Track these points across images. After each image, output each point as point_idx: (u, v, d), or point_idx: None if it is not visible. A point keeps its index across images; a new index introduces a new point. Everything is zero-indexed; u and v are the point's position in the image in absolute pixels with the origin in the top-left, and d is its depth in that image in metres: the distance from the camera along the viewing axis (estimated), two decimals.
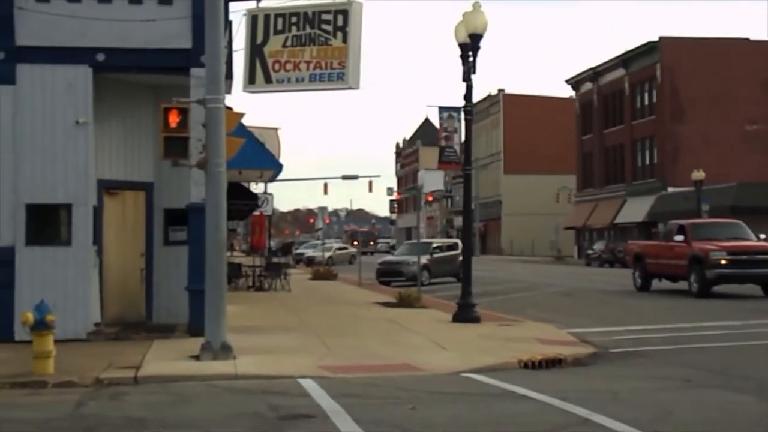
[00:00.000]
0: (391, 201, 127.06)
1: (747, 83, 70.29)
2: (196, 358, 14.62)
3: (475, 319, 20.81)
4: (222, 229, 15.15)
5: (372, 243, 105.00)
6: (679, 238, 31.41)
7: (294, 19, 17.77)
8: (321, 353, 15.51)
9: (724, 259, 29.51)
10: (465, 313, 20.94)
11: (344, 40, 17.50)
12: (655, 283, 33.57)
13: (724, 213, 50.21)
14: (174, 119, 15.12)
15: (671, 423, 10.01)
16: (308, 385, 12.51)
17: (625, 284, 35.57)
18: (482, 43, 21.18)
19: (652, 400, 11.26)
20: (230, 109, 21.14)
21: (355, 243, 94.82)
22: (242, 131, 19.09)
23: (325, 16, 17.62)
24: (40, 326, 13.43)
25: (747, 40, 73.47)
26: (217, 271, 15.01)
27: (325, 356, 15.19)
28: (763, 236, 31.93)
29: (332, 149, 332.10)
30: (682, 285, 31.37)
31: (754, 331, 19.37)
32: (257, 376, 13.26)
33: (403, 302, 25.68)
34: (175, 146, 15.22)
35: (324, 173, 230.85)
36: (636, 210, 73.12)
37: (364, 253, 78.56)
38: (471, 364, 14.43)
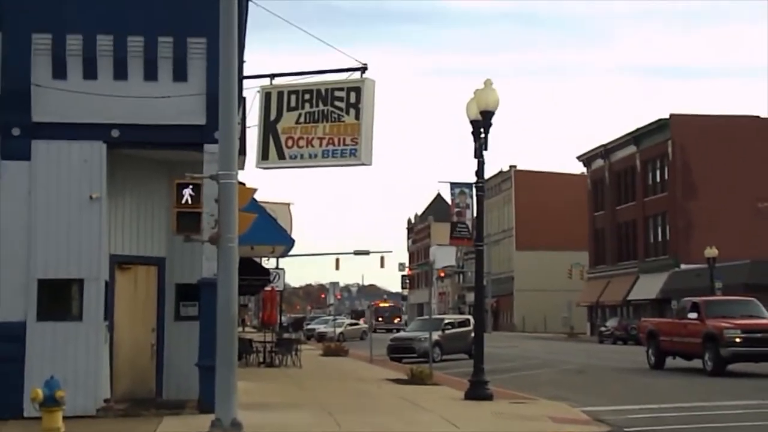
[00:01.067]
0: (403, 276, 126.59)
1: (758, 160, 70.44)
2: None
3: (488, 397, 20.61)
4: (233, 305, 15.06)
5: (398, 319, 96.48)
6: (693, 315, 31.20)
7: (307, 96, 17.94)
8: (332, 431, 15.34)
9: (739, 337, 29.28)
10: (477, 391, 20.74)
11: (357, 117, 17.65)
12: (669, 361, 33.26)
13: (738, 290, 49.96)
14: (187, 195, 15.14)
15: None
16: None
17: (639, 362, 35.24)
18: (494, 120, 21.34)
19: None
20: (243, 184, 21.28)
21: (380, 319, 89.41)
22: (254, 207, 19.13)
23: (338, 93, 17.79)
24: (50, 402, 13.29)
25: (758, 117, 73.82)
26: (228, 346, 14.88)
27: None
28: None
29: (344, 225, 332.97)
30: (697, 363, 31.06)
31: None
32: None
33: (415, 379, 25.47)
34: (187, 221, 15.20)
35: (336, 249, 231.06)
36: (649, 287, 72.83)
37: (389, 330, 77.22)
38: None
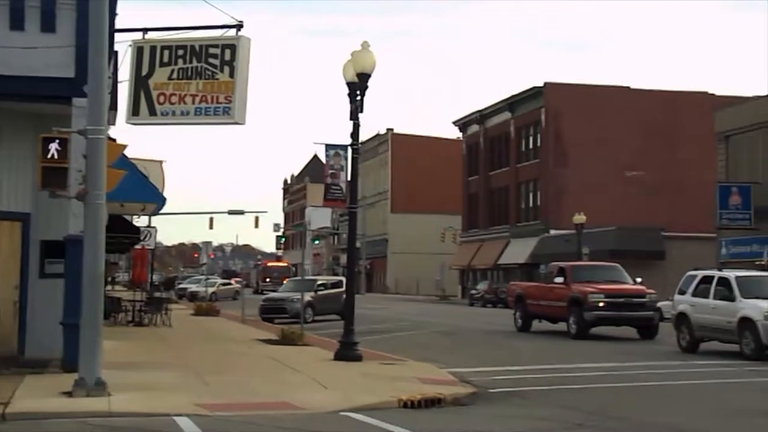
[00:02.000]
0: (278, 237, 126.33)
1: (628, 130, 72.34)
2: (69, 394, 14.18)
3: (357, 358, 20.74)
4: (100, 263, 14.81)
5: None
6: (559, 279, 31.98)
7: (181, 52, 17.62)
8: (199, 391, 15.23)
9: (602, 302, 30.16)
10: (347, 352, 20.85)
11: (231, 75, 17.43)
12: (536, 324, 34.07)
13: (604, 256, 51.34)
14: (53, 149, 14.76)
15: None
16: (184, 423, 12.25)
17: (507, 324, 36.01)
18: (371, 82, 21.33)
19: None
20: (113, 140, 20.81)
21: (268, 280, 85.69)
22: (125, 163, 18.74)
23: (212, 50, 17.52)
24: None
25: (628, 88, 75.68)
26: (93, 305, 14.63)
27: (204, 394, 14.91)
28: (639, 280, 32.75)
29: (219, 184, 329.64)
30: (562, 326, 31.90)
31: (630, 373, 19.78)
32: (132, 414, 12.93)
33: (286, 340, 25.46)
34: (53, 176, 14.86)
35: (210, 208, 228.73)
36: (519, 251, 74.32)
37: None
38: (350, 403, 14.34)
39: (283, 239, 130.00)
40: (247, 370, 18.89)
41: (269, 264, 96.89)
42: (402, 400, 14.70)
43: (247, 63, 17.61)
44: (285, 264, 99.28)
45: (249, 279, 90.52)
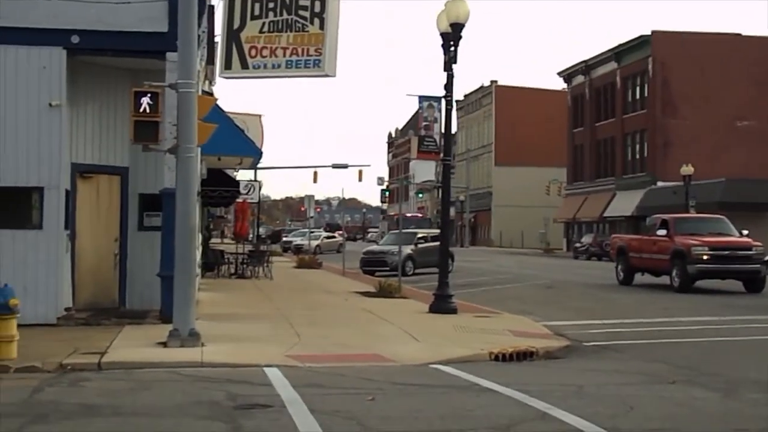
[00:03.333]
0: (382, 191, 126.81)
1: (738, 79, 70.28)
2: (164, 345, 14.48)
3: (452, 311, 20.71)
4: (192, 215, 14.99)
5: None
6: (662, 232, 31.34)
7: (271, 5, 17.65)
8: (291, 342, 15.38)
9: (706, 255, 29.47)
10: (441, 304, 20.83)
11: (321, 27, 17.41)
12: (638, 278, 33.51)
13: (712, 208, 50.21)
14: (145, 103, 14.94)
15: (631, 418, 9.89)
16: (273, 374, 12.37)
17: (609, 278, 35.51)
18: (466, 33, 21.05)
19: (615, 395, 11.15)
20: (210, 94, 21.05)
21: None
22: (219, 117, 18.91)
23: (302, 2, 17.52)
24: (4, 310, 13.27)
25: (739, 35, 73.43)
26: (186, 257, 14.85)
27: (295, 345, 15.06)
28: (745, 232, 31.84)
29: (323, 139, 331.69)
30: (664, 280, 31.31)
31: (730, 327, 19.32)
32: (222, 365, 13.12)
33: (383, 292, 25.57)
34: (145, 130, 15.06)
35: (315, 162, 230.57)
36: (625, 204, 73.11)
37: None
38: (441, 356, 14.31)
39: (387, 193, 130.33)
40: (341, 322, 19.02)
41: (408, 215, 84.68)
42: (493, 353, 14.61)
43: (337, 15, 17.54)
44: (422, 215, 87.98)
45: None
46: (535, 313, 21.52)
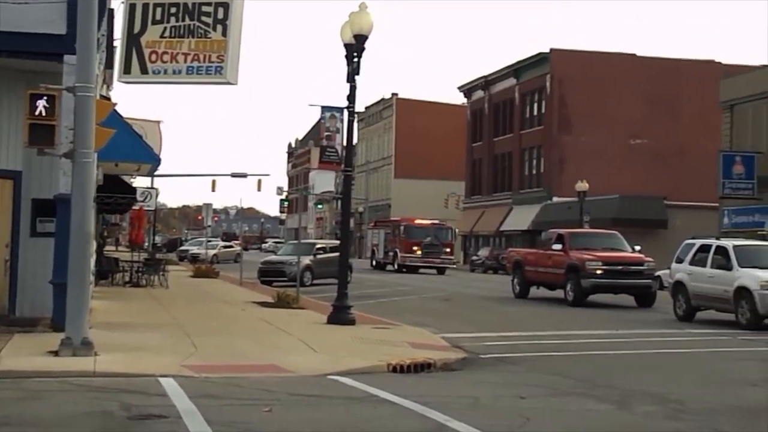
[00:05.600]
0: (282, 200, 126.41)
1: (632, 98, 71.94)
2: (55, 353, 14.11)
3: (350, 322, 20.66)
4: (88, 222, 14.67)
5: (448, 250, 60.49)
6: (558, 246, 31.85)
7: (173, 10, 17.41)
8: (187, 352, 15.14)
9: (600, 269, 30.05)
10: (340, 315, 20.78)
11: (224, 34, 17.23)
12: (534, 291, 33.98)
13: (606, 224, 51.18)
14: (41, 106, 14.58)
15: (527, 430, 9.99)
16: (168, 384, 12.16)
17: (506, 291, 35.93)
18: (369, 45, 21.10)
19: (511, 407, 11.25)
20: (107, 99, 20.63)
21: (415, 250, 57.83)
22: (117, 122, 18.57)
23: (205, 8, 17.32)
24: None
25: (634, 55, 75.16)
26: (80, 264, 14.51)
27: (191, 355, 14.84)
28: (638, 248, 32.60)
29: (222, 147, 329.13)
30: (559, 293, 31.81)
31: (623, 341, 19.70)
32: (116, 374, 12.84)
33: (281, 302, 25.42)
34: (40, 134, 14.68)
35: (214, 171, 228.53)
36: (521, 218, 74.14)
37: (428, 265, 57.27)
38: (339, 367, 14.26)
39: (286, 203, 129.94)
40: (238, 332, 18.81)
41: (417, 222, 61.59)
42: (391, 365, 14.61)
43: (240, 22, 17.40)
44: (439, 223, 63.48)
45: (376, 246, 62.45)
46: (433, 325, 21.62)
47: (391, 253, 60.27)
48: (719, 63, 73.33)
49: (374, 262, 63.42)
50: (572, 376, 14.26)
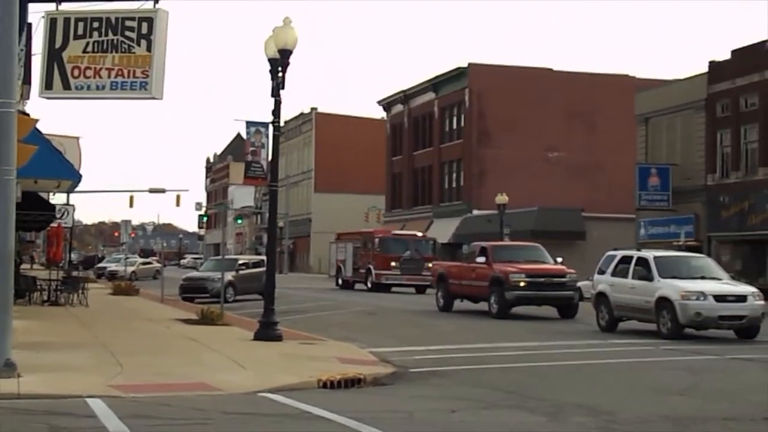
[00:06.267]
0: (200, 216, 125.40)
1: (550, 111, 72.95)
2: None
3: (277, 338, 20.53)
4: (9, 241, 14.32)
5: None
6: (481, 259, 32.08)
7: (96, 24, 17.13)
8: (113, 372, 14.88)
9: (523, 281, 30.32)
10: (267, 332, 20.63)
11: (148, 49, 17.00)
12: (457, 304, 34.15)
13: (525, 236, 51.76)
14: None
15: None
16: (96, 405, 11.92)
17: (429, 304, 36.05)
18: (293, 60, 21.03)
19: (445, 421, 11.28)
20: (27, 114, 20.24)
21: (393, 265, 51.17)
22: (37, 138, 18.17)
23: (128, 23, 17.07)
24: None
25: (551, 70, 76.26)
26: (2, 284, 14.16)
27: (117, 375, 14.58)
28: (560, 260, 33.00)
29: (140, 162, 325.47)
30: (483, 306, 32.01)
31: (549, 352, 19.89)
32: (42, 396, 12.55)
33: (205, 319, 25.14)
34: None
35: (131, 186, 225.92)
36: (442, 231, 74.49)
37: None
38: (269, 384, 14.14)
39: (205, 218, 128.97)
40: (164, 350, 18.57)
41: (394, 234, 57.40)
42: (321, 381, 14.54)
43: (165, 36, 17.20)
44: (409, 234, 57.76)
45: (342, 263, 57.66)
46: (360, 340, 21.59)
47: (362, 270, 53.79)
48: (633, 77, 74.77)
49: (340, 281, 57.53)
50: (502, 388, 14.34)
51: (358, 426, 10.70)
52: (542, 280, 30.71)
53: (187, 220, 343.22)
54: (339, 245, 59.62)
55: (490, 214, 62.64)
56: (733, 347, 21.63)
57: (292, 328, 23.77)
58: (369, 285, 52.39)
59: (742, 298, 23.59)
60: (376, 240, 53.62)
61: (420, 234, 58.27)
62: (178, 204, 75.61)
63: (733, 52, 50.09)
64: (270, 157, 22.16)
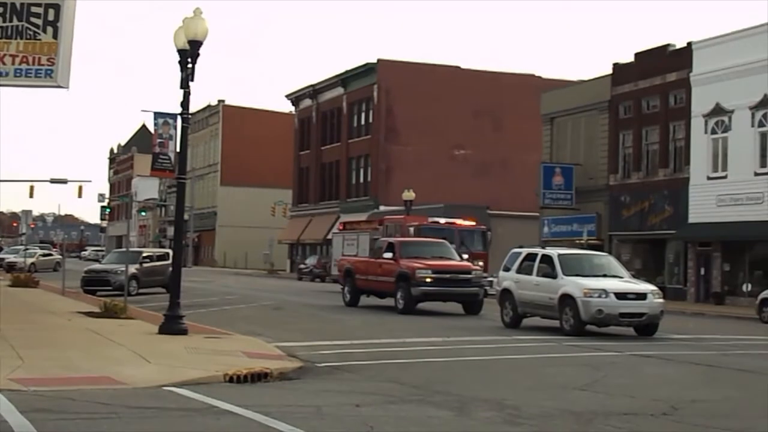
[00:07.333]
0: (102, 208, 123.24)
1: (458, 109, 73.61)
2: None
3: (182, 331, 20.31)
4: None
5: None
6: (388, 255, 32.19)
7: (0, 10, 16.72)
8: (13, 365, 14.54)
9: (429, 277, 30.50)
10: (172, 325, 20.39)
11: (55, 36, 16.67)
12: (364, 299, 34.23)
13: None
14: None
15: None
16: None
17: (335, 299, 36.06)
18: (204, 51, 20.82)
19: (354, 416, 11.29)
20: None
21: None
22: None
23: (34, 9, 16.72)
24: None
25: (458, 68, 76.93)
26: None
27: (18, 368, 14.25)
28: (465, 256, 33.30)
29: (41, 151, 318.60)
30: (390, 301, 32.15)
31: (455, 347, 20.07)
32: None
33: (108, 313, 24.75)
34: None
35: (31, 176, 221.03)
36: None
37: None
38: (174, 378, 13.98)
39: (108, 210, 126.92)
40: (66, 343, 18.22)
41: (432, 221, 43.74)
42: (228, 375, 14.43)
43: (72, 24, 16.88)
44: (455, 223, 44.00)
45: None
46: (266, 335, 21.49)
47: None
48: (539, 77, 75.94)
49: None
50: (408, 383, 14.42)
51: (265, 420, 10.66)
52: (448, 276, 30.93)
53: (89, 212, 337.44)
54: (347, 237, 47.16)
55: (397, 210, 62.89)
56: (633, 344, 22.09)
57: (198, 322, 23.53)
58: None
59: (642, 296, 24.12)
60: (411, 229, 41.50)
61: (466, 222, 44.43)
62: (80, 195, 74.31)
63: (637, 55, 51.20)
64: (178, 149, 21.87)
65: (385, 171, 73.31)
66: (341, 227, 51.78)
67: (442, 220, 43.99)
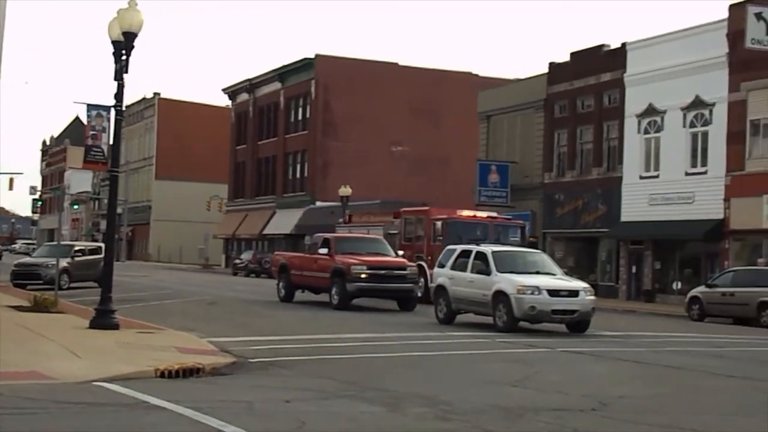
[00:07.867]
0: (34, 200, 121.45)
1: (395, 105, 73.79)
2: None
3: (114, 326, 20.10)
4: None
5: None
6: (324, 251, 32.15)
7: None
8: None
9: (365, 273, 30.52)
10: (103, 320, 20.17)
11: None
12: (299, 295, 34.16)
13: None
14: None
15: None
16: None
17: (270, 294, 35.94)
18: (138, 43, 20.61)
19: (285, 411, 11.27)
20: None
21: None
22: None
23: None
24: None
25: (396, 64, 77.08)
26: None
27: None
28: (401, 252, 33.39)
29: None
30: (324, 297, 32.12)
31: (389, 344, 20.10)
32: None
33: (38, 306, 24.41)
34: None
35: None
36: (285, 222, 74.50)
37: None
38: (105, 373, 13.83)
39: (40, 203, 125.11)
40: None
41: (465, 215, 37.95)
42: (159, 370, 14.33)
43: (3, 16, 16.59)
44: (490, 217, 38.55)
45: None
46: (199, 330, 21.33)
47: None
48: (477, 75, 76.41)
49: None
50: (341, 379, 14.42)
51: (195, 415, 10.60)
52: (383, 272, 30.95)
53: (20, 205, 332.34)
54: (354, 231, 41.53)
55: (333, 206, 62.91)
56: (564, 340, 22.33)
57: (131, 316, 23.31)
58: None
59: (574, 293, 24.38)
60: (438, 224, 36.99)
61: (501, 216, 39.95)
62: (11, 187, 73.46)
63: (572, 54, 51.74)
64: (111, 142, 21.62)
65: (322, 166, 73.25)
66: (347, 219, 47.37)
67: (473, 213, 38.83)
